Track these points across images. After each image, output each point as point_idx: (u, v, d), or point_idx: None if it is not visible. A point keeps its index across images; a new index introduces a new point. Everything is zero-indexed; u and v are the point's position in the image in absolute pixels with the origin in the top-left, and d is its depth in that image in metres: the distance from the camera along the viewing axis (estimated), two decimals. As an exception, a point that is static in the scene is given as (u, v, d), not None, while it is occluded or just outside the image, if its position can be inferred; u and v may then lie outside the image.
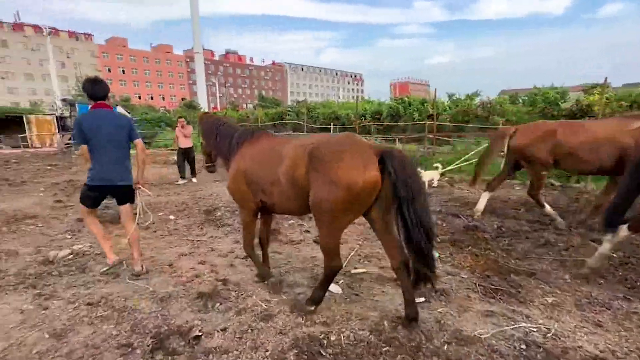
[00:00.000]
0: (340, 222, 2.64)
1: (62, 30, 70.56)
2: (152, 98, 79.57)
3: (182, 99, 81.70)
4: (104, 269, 3.79)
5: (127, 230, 3.75)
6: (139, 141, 3.65)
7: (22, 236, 5.01)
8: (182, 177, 9.44)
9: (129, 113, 23.81)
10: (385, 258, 3.92)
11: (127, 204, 3.74)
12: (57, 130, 22.40)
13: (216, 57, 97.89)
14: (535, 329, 2.67)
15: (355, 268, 3.83)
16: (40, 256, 4.19)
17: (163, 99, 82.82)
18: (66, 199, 7.42)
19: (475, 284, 3.42)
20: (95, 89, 3.52)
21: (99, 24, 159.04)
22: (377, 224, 2.72)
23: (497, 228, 5.12)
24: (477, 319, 2.84)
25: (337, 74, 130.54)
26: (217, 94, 62.68)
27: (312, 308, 2.90)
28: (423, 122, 13.16)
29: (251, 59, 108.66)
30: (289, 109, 25.09)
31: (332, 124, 17.18)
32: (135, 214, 3.90)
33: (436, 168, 8.39)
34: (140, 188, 3.84)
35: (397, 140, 12.76)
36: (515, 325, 2.71)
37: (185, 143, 9.44)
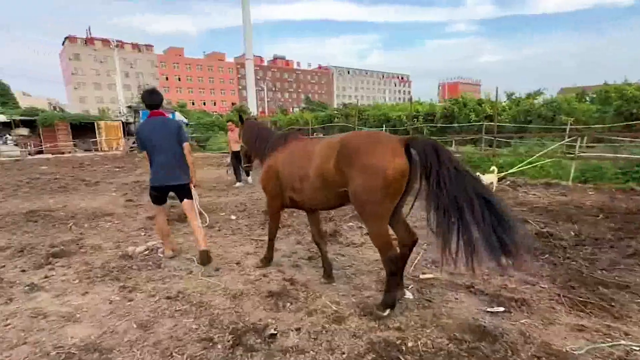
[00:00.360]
0: (381, 209, 2.70)
1: (126, 43, 76.21)
2: (204, 104, 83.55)
3: (233, 104, 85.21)
4: (161, 255, 4.27)
5: (191, 221, 4.14)
6: (185, 144, 3.99)
7: (102, 232, 5.44)
8: (239, 180, 9.68)
9: (185, 118, 25.25)
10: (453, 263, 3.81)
11: (187, 200, 4.10)
12: (123, 135, 24.23)
13: (265, 63, 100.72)
14: (638, 348, 2.40)
15: (424, 273, 3.70)
16: (119, 251, 4.51)
17: (214, 104, 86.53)
18: (136, 198, 7.96)
19: (559, 295, 3.16)
20: (151, 98, 3.94)
21: (159, 35, 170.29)
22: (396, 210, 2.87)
23: (575, 235, 4.73)
24: (567, 333, 2.62)
25: (383, 76, 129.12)
26: (265, 99, 64.54)
27: (385, 313, 2.83)
28: (480, 122, 12.58)
29: (298, 64, 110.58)
30: (336, 111, 25.17)
31: (382, 126, 16.93)
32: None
33: (492, 172, 7.92)
34: (194, 187, 4.18)
35: (453, 142, 12.26)
36: (614, 343, 2.46)
37: (236, 146, 9.57)
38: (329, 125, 20.83)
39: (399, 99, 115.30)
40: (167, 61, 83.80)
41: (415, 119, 15.68)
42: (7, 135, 20.93)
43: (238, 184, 9.59)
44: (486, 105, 14.14)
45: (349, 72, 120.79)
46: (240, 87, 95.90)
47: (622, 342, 2.47)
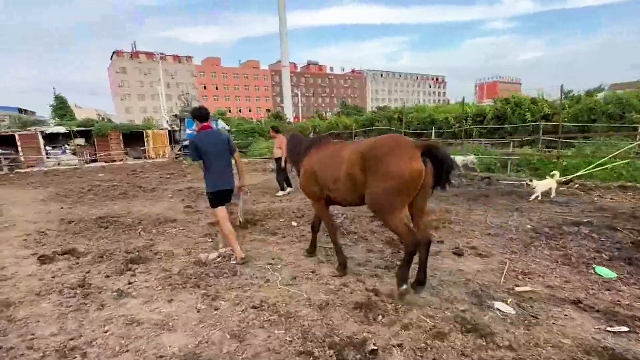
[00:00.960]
0: (397, 205, 3.04)
1: (168, 55, 79.87)
2: (240, 111, 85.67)
3: (267, 111, 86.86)
4: (234, 262, 4.33)
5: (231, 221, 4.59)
6: (237, 154, 4.51)
7: (170, 238, 5.55)
8: (281, 188, 9.15)
9: (227, 125, 25.89)
10: (549, 275, 3.52)
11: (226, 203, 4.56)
12: (168, 143, 25.20)
13: (298, 69, 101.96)
14: None
15: (517, 286, 3.43)
16: (191, 257, 4.56)
17: (250, 111, 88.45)
18: (193, 204, 8.12)
19: (687, 314, 2.80)
20: (201, 112, 4.41)
21: (198, 45, 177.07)
22: (415, 208, 3.21)
23: (678, 244, 4.25)
24: None
25: (417, 77, 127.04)
26: (299, 104, 65.14)
27: (404, 287, 3.12)
28: (536, 122, 11.88)
29: (331, 68, 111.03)
30: (376, 114, 24.84)
31: (428, 128, 16.46)
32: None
33: (552, 176, 7.35)
34: (244, 191, 4.90)
35: (511, 143, 11.64)
36: None
37: (278, 153, 9.04)
38: (369, 128, 20.55)
39: (434, 100, 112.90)
40: (205, 71, 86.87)
41: (464, 121, 15.05)
42: (66, 145, 22.38)
43: (280, 192, 9.21)
44: (542, 104, 13.32)
45: (382, 75, 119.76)
46: (274, 94, 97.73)
47: None
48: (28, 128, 21.92)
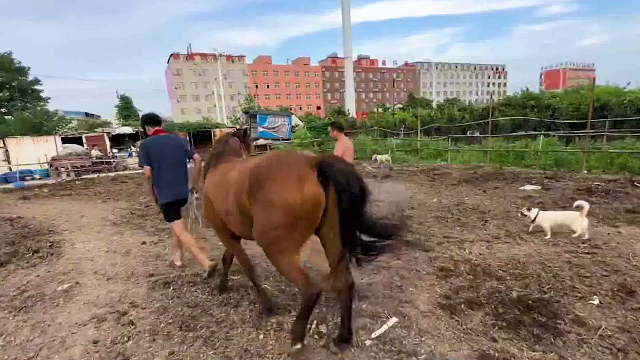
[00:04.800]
0: (286, 244, 2.29)
1: (221, 55, 79.87)
2: (290, 108, 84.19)
3: (318, 108, 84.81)
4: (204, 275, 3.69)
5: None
6: (197, 156, 4.13)
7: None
8: None
9: (301, 121, 23.18)
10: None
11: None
12: (235, 142, 23.02)
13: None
14: None
15: None
16: None
17: (300, 108, 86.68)
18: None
19: None
20: (154, 117, 4.20)
21: (248, 46, 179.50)
22: (326, 245, 2.39)
23: None
24: None
25: (475, 68, 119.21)
26: (352, 99, 61.68)
27: (297, 347, 2.38)
28: None
29: (383, 62, 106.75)
30: (492, 103, 20.76)
31: (591, 117, 12.36)
32: None
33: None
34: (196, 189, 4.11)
35: None
36: None
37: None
38: (499, 119, 16.29)
39: (493, 92, 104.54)
40: (257, 69, 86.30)
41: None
42: (132, 147, 20.86)
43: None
44: None
45: (437, 67, 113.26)
46: (324, 90, 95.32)
47: None
48: (95, 129, 20.64)
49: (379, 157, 12.70)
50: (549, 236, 4.58)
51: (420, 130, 17.36)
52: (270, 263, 2.62)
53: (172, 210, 4.00)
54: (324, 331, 2.75)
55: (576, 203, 4.52)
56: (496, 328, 2.65)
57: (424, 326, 2.75)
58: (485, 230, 5.17)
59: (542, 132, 12.84)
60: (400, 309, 3.03)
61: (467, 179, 9.62)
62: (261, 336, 2.74)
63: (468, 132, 17.17)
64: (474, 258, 4.05)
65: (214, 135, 22.12)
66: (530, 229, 4.88)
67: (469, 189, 8.43)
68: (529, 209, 4.86)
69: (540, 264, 3.74)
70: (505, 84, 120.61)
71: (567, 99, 16.12)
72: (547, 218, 4.68)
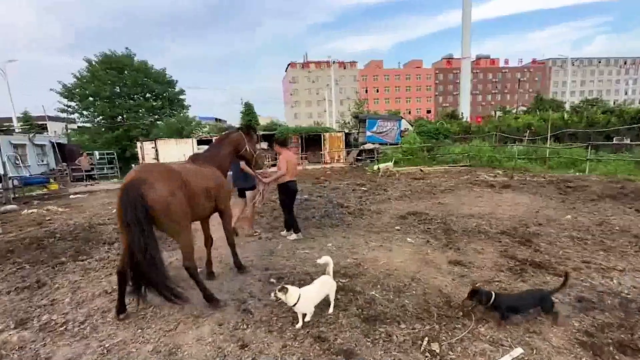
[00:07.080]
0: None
1: (334, 62, 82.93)
2: (399, 112, 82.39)
3: (428, 111, 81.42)
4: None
5: None
6: None
7: None
8: None
9: (411, 125, 22.52)
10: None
11: None
12: (344, 146, 23.48)
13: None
14: None
15: None
16: None
17: (409, 112, 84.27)
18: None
19: None
20: None
21: (358, 52, 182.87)
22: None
23: None
24: None
25: (625, 62, 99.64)
26: (467, 102, 57.24)
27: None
28: None
29: (506, 61, 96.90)
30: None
31: None
32: None
33: None
34: None
35: None
36: None
37: None
38: None
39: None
40: (367, 74, 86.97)
41: None
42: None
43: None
44: None
45: (573, 64, 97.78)
46: (436, 94, 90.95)
47: None
48: (222, 133, 23.34)
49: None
50: None
51: (551, 136, 15.21)
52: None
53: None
54: (437, 350, 2.58)
55: None
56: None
57: (558, 366, 2.36)
58: (641, 259, 4.24)
59: None
60: (527, 339, 2.67)
61: (612, 194, 8.08)
62: (368, 342, 2.71)
63: (615, 139, 14.36)
64: (626, 291, 3.35)
65: (324, 140, 22.97)
66: None
67: (615, 207, 7.04)
68: None
69: None
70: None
71: None
72: None
